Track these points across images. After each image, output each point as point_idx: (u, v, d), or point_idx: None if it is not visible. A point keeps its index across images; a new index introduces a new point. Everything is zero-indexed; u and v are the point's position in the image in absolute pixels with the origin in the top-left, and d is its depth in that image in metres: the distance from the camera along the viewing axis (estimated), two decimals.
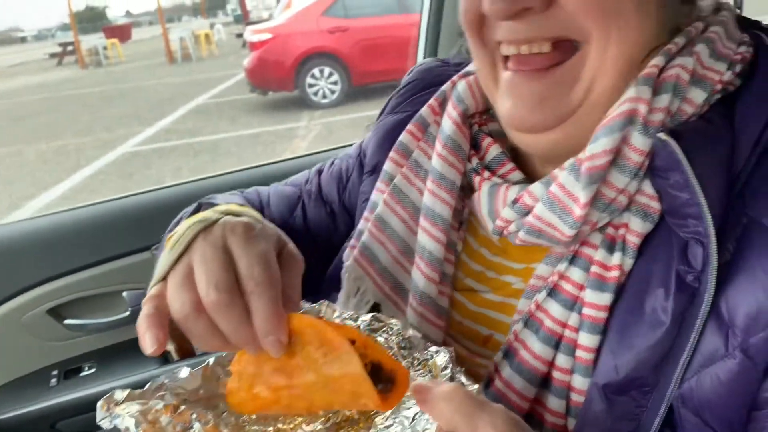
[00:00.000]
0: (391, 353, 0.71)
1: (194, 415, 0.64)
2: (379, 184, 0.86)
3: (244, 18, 24.33)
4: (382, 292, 0.84)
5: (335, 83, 9.42)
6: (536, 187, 0.69)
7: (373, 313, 0.77)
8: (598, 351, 0.66)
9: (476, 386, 0.65)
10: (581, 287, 0.68)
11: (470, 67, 0.85)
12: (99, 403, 0.62)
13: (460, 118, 0.80)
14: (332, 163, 1.05)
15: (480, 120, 0.83)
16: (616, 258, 0.66)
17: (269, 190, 1.06)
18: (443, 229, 0.79)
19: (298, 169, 1.87)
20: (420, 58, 2.01)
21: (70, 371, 1.65)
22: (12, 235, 1.68)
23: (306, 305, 0.78)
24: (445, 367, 0.68)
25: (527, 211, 0.69)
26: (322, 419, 0.67)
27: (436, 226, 0.79)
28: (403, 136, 0.85)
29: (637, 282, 0.65)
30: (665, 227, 0.65)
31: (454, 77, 0.85)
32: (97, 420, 0.63)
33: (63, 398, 1.59)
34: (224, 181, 1.85)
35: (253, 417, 0.69)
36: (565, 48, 0.66)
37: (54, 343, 1.66)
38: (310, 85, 9.45)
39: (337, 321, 0.77)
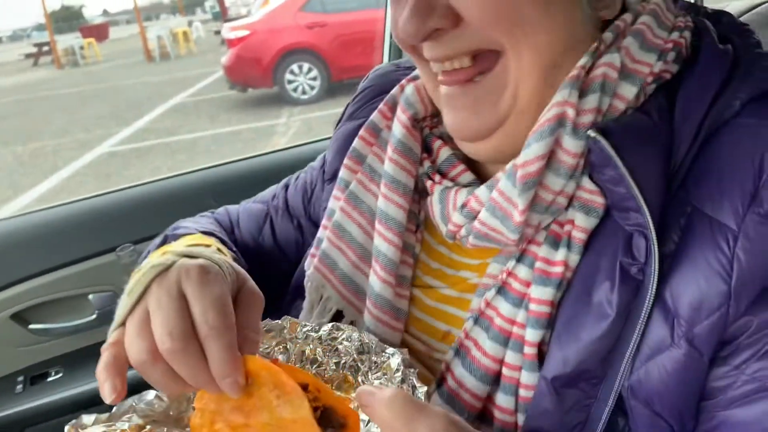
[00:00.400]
0: (350, 359, 0.74)
1: None
2: (335, 192, 0.87)
3: (222, 15, 24.27)
4: (344, 298, 0.84)
5: (314, 79, 9.40)
6: (482, 191, 0.70)
7: (333, 323, 0.78)
8: (547, 345, 0.67)
9: (425, 388, 0.67)
10: (528, 284, 0.68)
11: (418, 71, 0.86)
12: (66, 428, 0.65)
13: (410, 122, 0.81)
14: (298, 176, 1.06)
15: (430, 123, 0.84)
16: (560, 254, 0.67)
17: (239, 208, 1.08)
18: (398, 232, 0.79)
19: (277, 163, 1.87)
20: (386, 57, 2.01)
21: (36, 377, 1.63)
22: None
23: (270, 322, 0.79)
24: (397, 370, 0.70)
25: (475, 216, 0.70)
26: None
27: (391, 230, 0.79)
28: (356, 143, 0.86)
29: (583, 275, 0.66)
30: (612, 221, 0.66)
31: (403, 81, 0.86)
32: None
33: (30, 405, 1.56)
34: (188, 180, 1.84)
35: None
36: (487, 58, 0.68)
37: (19, 349, 1.64)
38: (290, 81, 9.42)
39: (301, 334, 0.79)
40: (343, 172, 0.87)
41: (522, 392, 0.68)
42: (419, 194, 0.82)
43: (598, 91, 0.64)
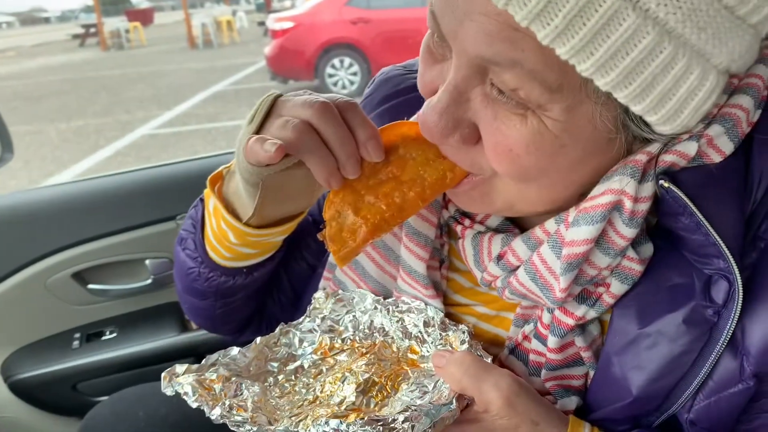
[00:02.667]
0: (417, 330, 0.78)
1: (243, 385, 0.72)
2: None
3: (266, 6, 24.44)
4: None
5: (355, 74, 9.44)
6: (519, 245, 0.68)
7: (401, 298, 0.81)
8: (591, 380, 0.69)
9: (490, 357, 0.71)
10: (548, 327, 0.69)
11: None
12: (162, 374, 0.72)
13: None
14: None
15: None
16: (580, 310, 0.67)
17: None
18: (424, 284, 0.78)
19: None
20: None
21: (92, 335, 1.69)
22: (40, 199, 1.72)
23: (343, 293, 0.85)
24: (463, 341, 0.73)
25: (512, 269, 0.69)
26: (354, 384, 0.72)
27: (416, 281, 0.79)
28: None
29: (645, 314, 0.64)
30: (673, 259, 0.64)
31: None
32: (162, 388, 0.70)
33: (84, 360, 1.63)
34: None
35: (296, 387, 0.76)
36: None
37: (77, 307, 1.70)
38: (330, 75, 9.48)
39: (370, 305, 0.83)
40: None
41: None
42: (440, 230, 0.80)
43: (656, 177, 0.61)
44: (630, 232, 0.61)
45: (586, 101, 0.54)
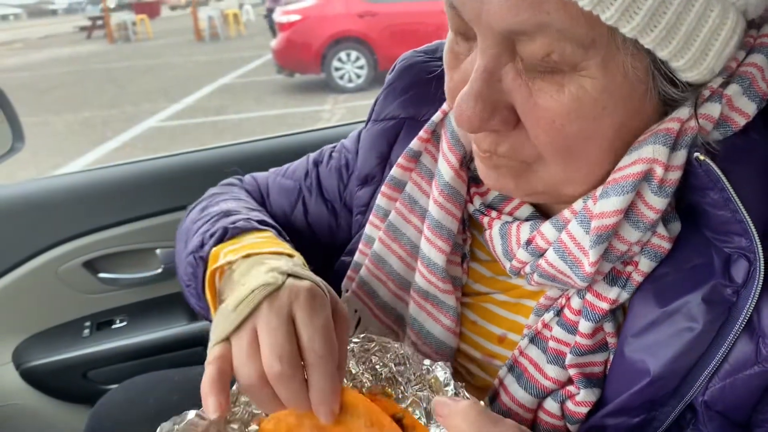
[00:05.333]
0: (387, 371, 0.74)
1: None
2: (373, 219, 0.84)
3: None
4: (383, 323, 0.85)
5: (361, 68, 9.43)
6: (548, 228, 0.68)
7: (365, 334, 0.77)
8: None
9: (482, 402, 0.67)
10: (579, 313, 0.68)
11: None
12: None
13: (459, 163, 0.76)
14: (330, 154, 1.01)
15: None
16: (613, 292, 0.66)
17: (268, 179, 1.06)
18: (441, 277, 0.78)
19: (325, 139, 1.91)
20: None
21: (102, 323, 1.70)
22: (52, 188, 1.73)
23: None
24: (447, 384, 0.70)
25: (541, 253, 0.69)
26: None
27: (434, 274, 0.78)
28: (395, 171, 0.82)
29: (664, 295, 0.64)
30: (696, 238, 0.64)
31: (444, 106, 0.80)
32: None
33: (95, 349, 1.64)
34: (257, 148, 1.88)
35: None
36: None
37: (88, 296, 1.70)
38: (337, 69, 9.47)
39: None
40: (380, 200, 0.83)
41: (569, 405, 0.70)
42: (463, 224, 0.79)
43: (689, 146, 0.60)
44: (659, 203, 0.60)
45: (617, 54, 0.55)
